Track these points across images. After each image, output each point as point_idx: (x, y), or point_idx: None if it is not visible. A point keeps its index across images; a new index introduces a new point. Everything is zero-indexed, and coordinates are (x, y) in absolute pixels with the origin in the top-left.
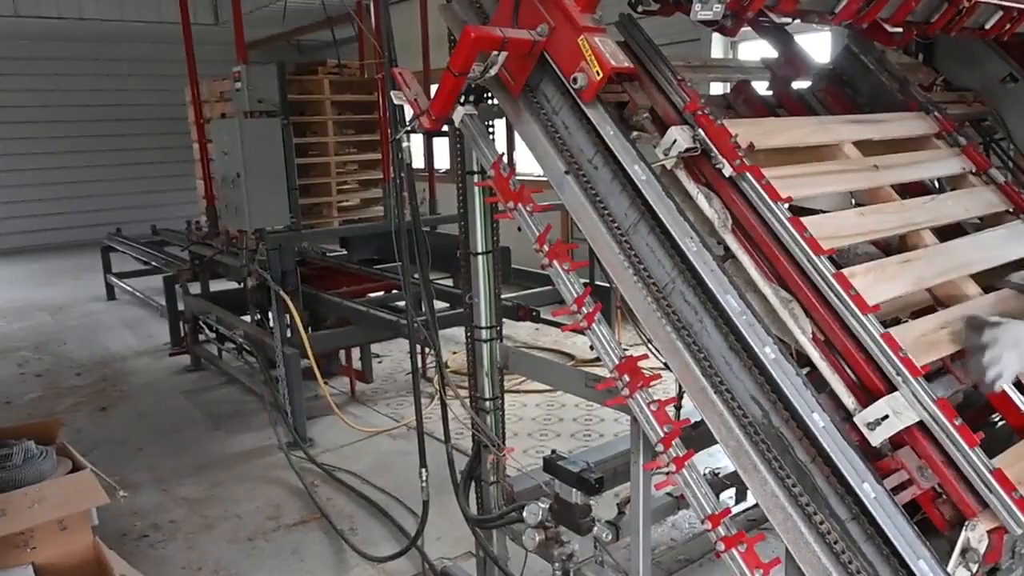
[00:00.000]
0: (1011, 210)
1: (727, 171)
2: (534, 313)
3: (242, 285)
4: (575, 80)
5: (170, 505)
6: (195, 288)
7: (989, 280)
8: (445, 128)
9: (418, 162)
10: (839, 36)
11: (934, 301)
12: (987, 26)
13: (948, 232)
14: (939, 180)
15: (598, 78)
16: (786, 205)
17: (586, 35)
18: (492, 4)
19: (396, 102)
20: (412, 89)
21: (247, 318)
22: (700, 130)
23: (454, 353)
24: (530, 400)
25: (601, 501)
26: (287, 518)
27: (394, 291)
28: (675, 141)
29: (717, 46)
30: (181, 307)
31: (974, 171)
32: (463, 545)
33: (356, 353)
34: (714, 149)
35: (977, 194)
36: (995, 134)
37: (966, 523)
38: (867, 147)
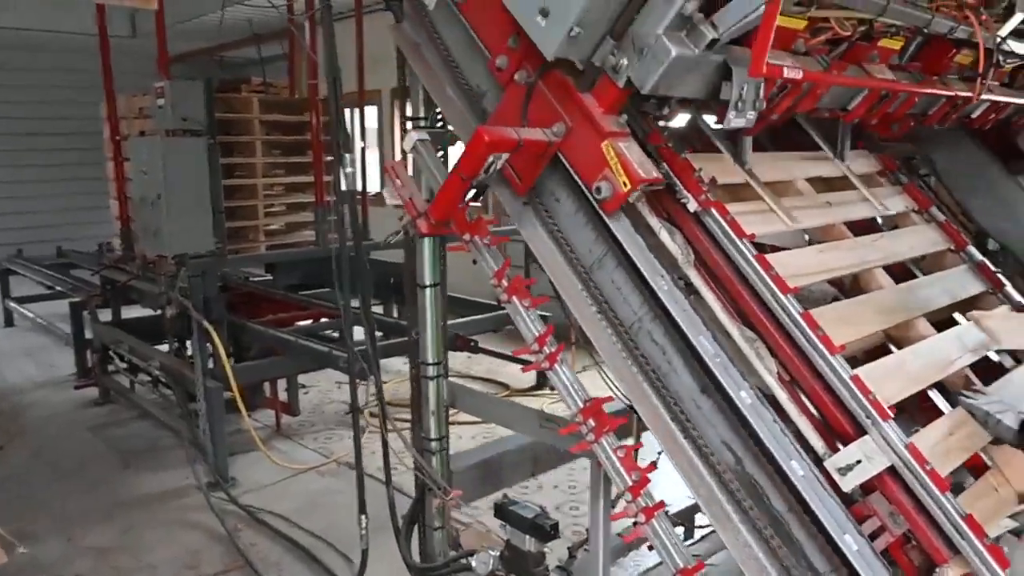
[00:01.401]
0: (952, 248)
1: (692, 206)
2: (472, 343)
3: (160, 313)
4: (599, 190)
5: (75, 556)
6: (105, 315)
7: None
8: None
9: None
10: None
11: (888, 340)
12: None
13: (894, 270)
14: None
15: (625, 189)
16: (750, 242)
17: (611, 141)
18: (463, 51)
19: (389, 201)
20: (407, 187)
21: (163, 347)
22: (664, 164)
23: (385, 383)
24: (465, 432)
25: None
26: (207, 567)
27: (324, 319)
28: None
29: None
30: (89, 335)
31: (916, 209)
32: None
33: (282, 384)
34: (679, 183)
35: (921, 232)
36: (921, 171)
37: (936, 570)
38: (816, 184)
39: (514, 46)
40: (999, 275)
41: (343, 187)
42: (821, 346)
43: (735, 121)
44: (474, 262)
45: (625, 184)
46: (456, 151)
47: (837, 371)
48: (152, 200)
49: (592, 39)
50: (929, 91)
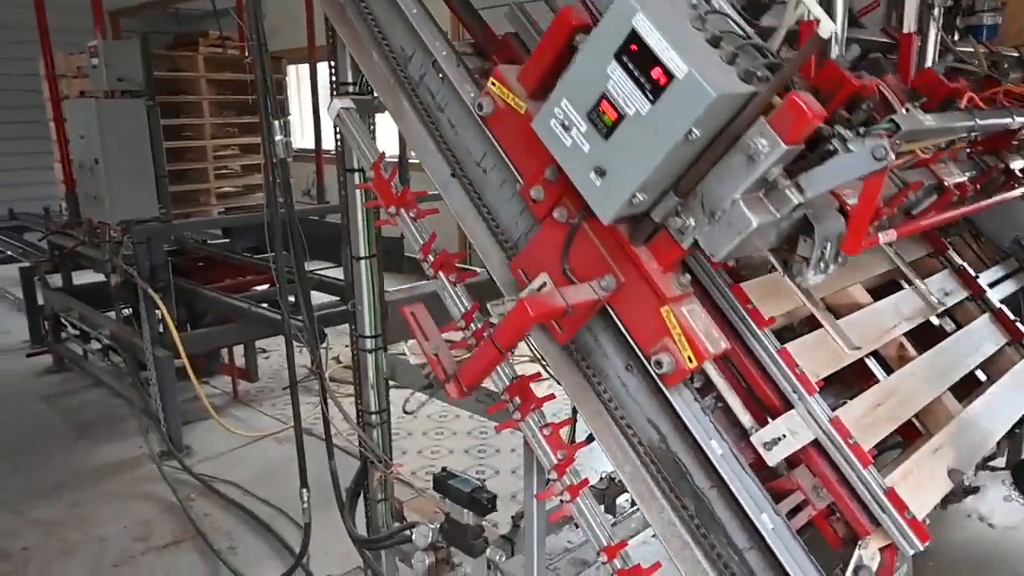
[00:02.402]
0: None
1: None
2: None
3: (108, 278)
4: (659, 364)
5: (23, 529)
6: (57, 280)
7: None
8: None
9: (306, 142)
10: None
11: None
12: None
13: None
14: None
15: (691, 366)
16: None
17: (673, 307)
18: (386, 13)
19: (413, 360)
20: (432, 340)
21: (115, 313)
22: None
23: (347, 347)
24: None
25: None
26: (158, 538)
27: None
28: None
29: None
30: (41, 301)
31: None
32: (352, 560)
33: (239, 349)
34: None
35: None
36: None
37: (859, 541)
38: None
39: (552, 179)
40: (943, 239)
41: (275, 155)
42: (749, 319)
43: (812, 280)
44: (401, 236)
45: (691, 360)
46: (384, 120)
47: (765, 345)
48: (90, 165)
49: (652, 197)
50: (1003, 198)
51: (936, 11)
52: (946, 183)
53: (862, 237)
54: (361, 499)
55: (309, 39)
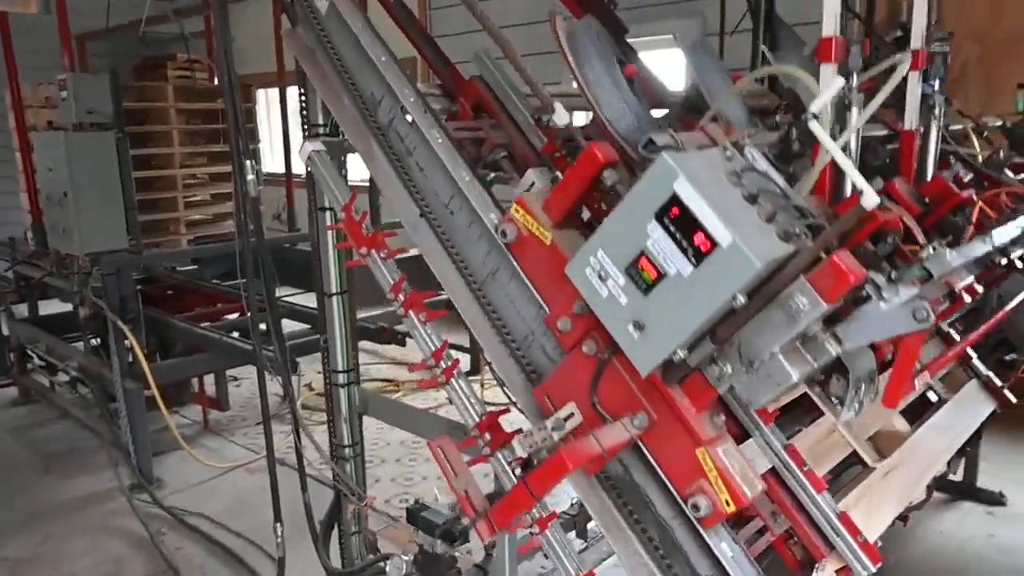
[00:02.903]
0: None
1: (585, 215)
2: (399, 336)
3: (76, 310)
4: (696, 507)
5: None
6: (22, 310)
7: None
8: None
9: (276, 166)
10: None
11: None
12: None
13: None
14: None
15: (729, 510)
16: None
17: (708, 449)
18: (355, 60)
19: (440, 497)
20: (461, 477)
21: (83, 344)
22: (558, 172)
23: (319, 373)
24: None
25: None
26: (130, 574)
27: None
28: (533, 183)
29: None
30: (7, 332)
31: None
32: None
33: (211, 377)
34: None
35: None
36: None
37: (816, 564)
38: None
39: (580, 313)
40: None
41: (246, 193)
42: None
43: (846, 416)
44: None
45: (728, 503)
46: (354, 160)
47: None
48: (59, 198)
49: (688, 345)
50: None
51: (937, 109)
52: (956, 289)
53: (901, 393)
54: (335, 531)
55: (279, 65)
